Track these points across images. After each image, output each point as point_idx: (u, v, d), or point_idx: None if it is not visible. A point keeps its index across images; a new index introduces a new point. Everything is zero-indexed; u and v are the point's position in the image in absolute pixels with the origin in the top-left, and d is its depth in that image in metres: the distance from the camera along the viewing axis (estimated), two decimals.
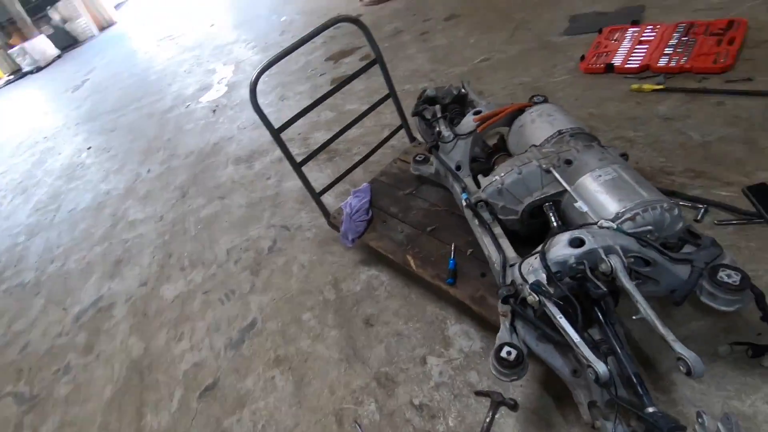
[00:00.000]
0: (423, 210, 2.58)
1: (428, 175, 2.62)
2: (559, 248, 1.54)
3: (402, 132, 3.14)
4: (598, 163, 1.82)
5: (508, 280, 1.67)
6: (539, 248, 1.64)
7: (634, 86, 3.08)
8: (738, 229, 2.09)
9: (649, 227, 1.57)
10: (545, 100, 2.45)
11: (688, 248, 1.60)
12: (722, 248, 1.55)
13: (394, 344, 2.31)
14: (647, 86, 3.02)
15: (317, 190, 2.80)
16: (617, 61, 3.33)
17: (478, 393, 1.94)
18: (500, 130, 2.45)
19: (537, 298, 1.47)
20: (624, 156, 2.02)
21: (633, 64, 3.24)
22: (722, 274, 1.45)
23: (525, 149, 2.11)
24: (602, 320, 1.55)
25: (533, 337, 1.60)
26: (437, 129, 2.50)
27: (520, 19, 4.69)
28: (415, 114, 2.89)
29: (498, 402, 1.87)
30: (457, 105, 2.82)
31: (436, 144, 2.45)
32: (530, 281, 1.53)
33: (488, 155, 2.46)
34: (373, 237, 2.56)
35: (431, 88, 2.84)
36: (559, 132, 2.05)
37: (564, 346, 1.52)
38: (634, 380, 1.40)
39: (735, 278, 1.44)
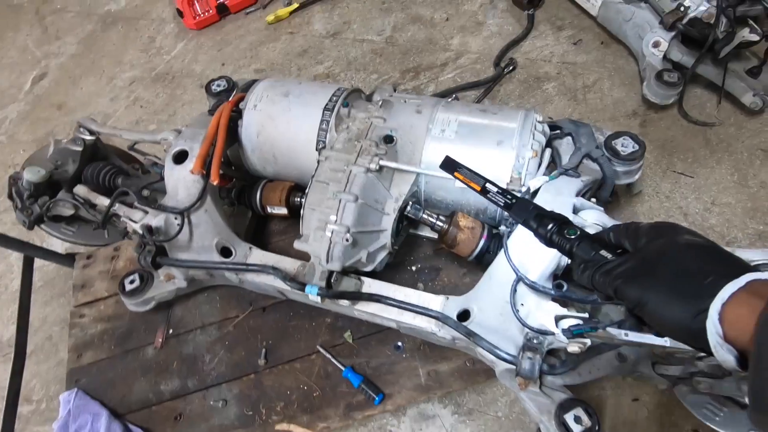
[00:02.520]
0: (216, 342, 1.46)
1: (175, 293, 1.44)
2: (541, 255, 0.99)
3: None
4: (419, 118, 1.25)
5: (497, 340, 1.03)
6: (503, 276, 1.04)
7: (270, 18, 2.48)
8: (491, 98, 2.05)
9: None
10: (231, 84, 1.59)
11: (558, 143, 1.35)
12: (578, 120, 1.36)
13: None
14: (281, 12, 2.48)
15: None
16: None
17: None
18: None
19: (585, 344, 0.93)
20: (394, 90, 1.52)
21: None
22: (621, 148, 1.26)
23: (302, 159, 1.31)
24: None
25: (570, 375, 1.10)
26: (130, 225, 1.28)
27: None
28: (34, 224, 1.51)
29: None
30: (106, 164, 1.58)
31: (156, 250, 1.27)
32: (555, 329, 0.95)
33: (235, 198, 1.50)
34: None
35: (27, 169, 1.46)
36: (326, 108, 1.31)
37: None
38: None
39: (629, 142, 1.27)
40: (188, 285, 1.40)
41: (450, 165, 0.84)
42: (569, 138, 1.34)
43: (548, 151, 1.21)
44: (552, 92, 2.01)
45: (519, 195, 0.84)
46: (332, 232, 1.13)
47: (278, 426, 1.31)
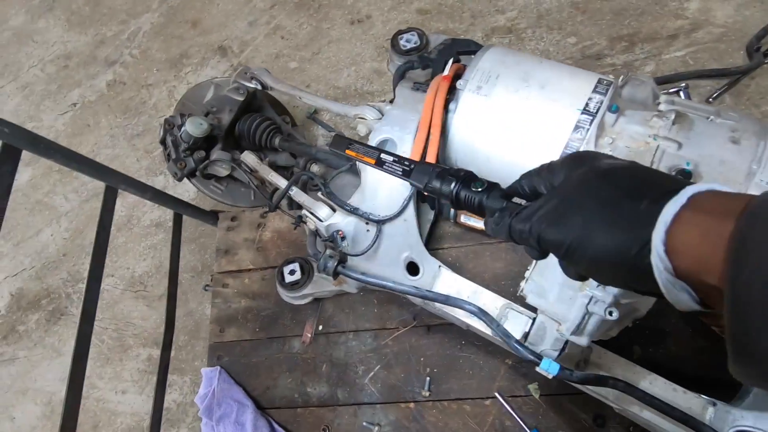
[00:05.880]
0: (371, 354, 1.27)
1: (335, 294, 1.25)
2: None
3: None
4: (737, 152, 0.86)
5: None
6: None
7: None
8: (734, 94, 1.55)
9: None
10: (424, 41, 1.27)
11: None
12: None
13: None
14: None
15: None
16: None
17: None
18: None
19: None
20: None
21: None
22: None
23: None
24: None
25: None
26: (312, 221, 1.05)
27: None
28: (184, 177, 1.38)
29: None
30: (264, 119, 1.36)
31: (340, 258, 1.04)
32: None
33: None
34: None
35: (189, 121, 1.26)
36: (586, 111, 0.95)
37: None
38: None
39: None
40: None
41: (341, 144, 0.79)
42: None
43: None
44: None
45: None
46: (591, 300, 0.83)
47: None
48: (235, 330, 1.39)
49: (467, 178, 0.64)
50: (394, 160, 0.73)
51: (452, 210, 1.14)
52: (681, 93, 1.57)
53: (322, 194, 1.04)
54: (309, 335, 1.33)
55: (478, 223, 1.14)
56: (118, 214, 1.98)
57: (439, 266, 1.10)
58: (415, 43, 1.28)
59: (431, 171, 0.66)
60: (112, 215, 1.12)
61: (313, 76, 1.99)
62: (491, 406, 1.17)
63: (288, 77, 2.01)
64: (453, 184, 0.63)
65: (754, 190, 0.84)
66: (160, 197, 1.29)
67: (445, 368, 1.22)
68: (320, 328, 1.33)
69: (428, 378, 1.22)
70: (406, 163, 0.72)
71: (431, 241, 1.35)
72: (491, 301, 1.04)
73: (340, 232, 1.01)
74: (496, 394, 1.16)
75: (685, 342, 1.12)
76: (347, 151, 0.79)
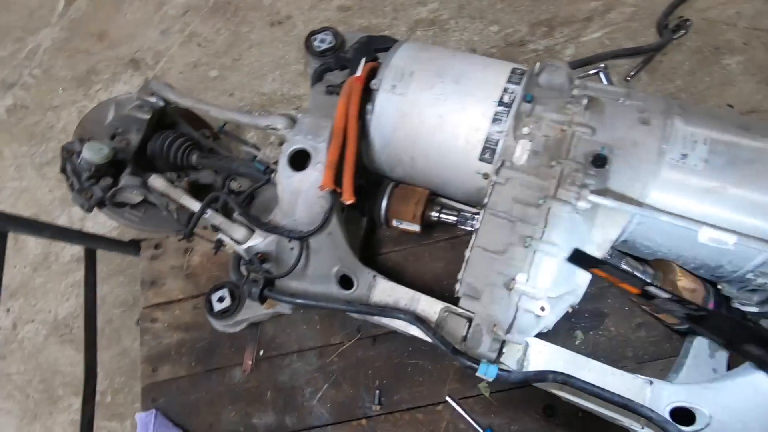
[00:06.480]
0: (317, 373, 1.21)
1: (271, 316, 1.17)
2: None
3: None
4: (647, 132, 0.87)
5: None
6: None
7: None
8: (650, 71, 1.59)
9: None
10: (340, 40, 1.21)
11: None
12: None
13: None
14: None
15: None
16: None
17: None
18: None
19: None
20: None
21: None
22: None
23: (454, 170, 0.96)
24: None
25: None
26: (230, 245, 0.97)
27: None
28: (93, 207, 1.24)
29: None
30: (178, 135, 1.26)
31: (265, 281, 0.97)
32: None
33: None
34: None
35: (87, 146, 1.14)
36: (502, 102, 0.93)
37: None
38: None
39: None
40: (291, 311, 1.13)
41: (583, 260, 0.60)
42: None
43: None
44: (735, 70, 1.54)
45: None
46: (521, 297, 0.81)
47: None
48: (169, 367, 1.28)
49: None
50: (670, 298, 0.50)
51: (383, 213, 1.09)
52: (601, 74, 1.60)
53: (238, 214, 0.96)
54: (250, 362, 1.24)
55: (410, 226, 1.09)
56: (32, 252, 1.80)
57: (374, 276, 1.05)
58: (330, 43, 1.22)
59: (739, 327, 0.45)
60: (2, 262, 0.98)
61: (235, 83, 1.88)
62: (443, 411, 1.14)
63: (209, 87, 1.89)
64: None
65: (667, 170, 0.85)
66: (63, 234, 1.16)
67: (395, 378, 1.18)
68: (261, 353, 1.25)
69: (378, 391, 1.17)
70: (691, 306, 0.49)
71: (370, 247, 1.30)
72: (430, 306, 1.00)
73: (259, 255, 0.93)
74: (447, 398, 1.13)
75: (623, 321, 1.13)
76: (595, 271, 0.60)
